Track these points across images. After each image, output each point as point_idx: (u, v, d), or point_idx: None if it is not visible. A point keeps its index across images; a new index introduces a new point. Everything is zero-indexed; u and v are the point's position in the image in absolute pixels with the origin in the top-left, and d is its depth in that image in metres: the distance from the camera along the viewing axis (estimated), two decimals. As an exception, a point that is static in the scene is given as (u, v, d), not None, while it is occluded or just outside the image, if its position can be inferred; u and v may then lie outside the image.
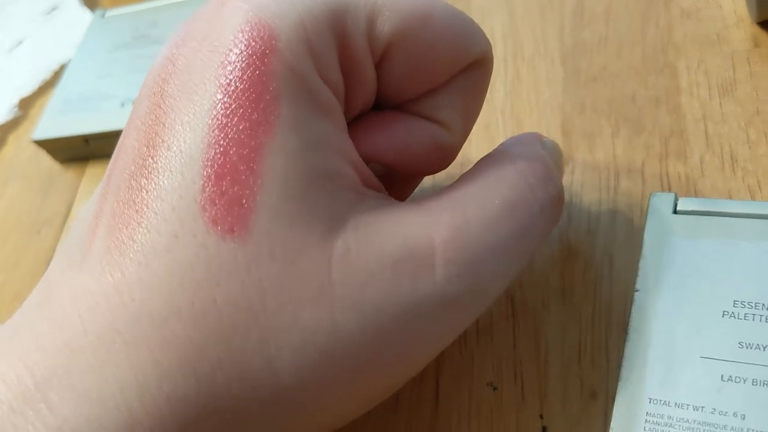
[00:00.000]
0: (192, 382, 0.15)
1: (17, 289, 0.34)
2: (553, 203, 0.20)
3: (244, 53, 0.17)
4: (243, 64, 0.17)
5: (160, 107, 0.17)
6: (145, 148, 0.17)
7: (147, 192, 0.16)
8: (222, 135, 0.16)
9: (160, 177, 0.16)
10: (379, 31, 0.18)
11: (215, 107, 0.16)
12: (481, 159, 0.21)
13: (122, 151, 0.18)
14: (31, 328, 0.16)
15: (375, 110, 0.21)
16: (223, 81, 0.16)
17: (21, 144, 0.41)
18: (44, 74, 0.44)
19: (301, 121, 0.17)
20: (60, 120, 0.37)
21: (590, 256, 0.23)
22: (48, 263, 0.34)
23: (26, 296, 0.33)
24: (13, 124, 0.43)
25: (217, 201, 0.16)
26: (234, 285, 0.15)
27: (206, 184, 0.16)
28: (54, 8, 0.49)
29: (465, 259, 0.17)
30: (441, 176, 0.27)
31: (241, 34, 0.17)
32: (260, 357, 0.15)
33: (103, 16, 0.42)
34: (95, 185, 0.37)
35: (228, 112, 0.16)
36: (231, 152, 0.16)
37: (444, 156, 0.21)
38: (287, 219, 0.16)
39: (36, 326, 0.16)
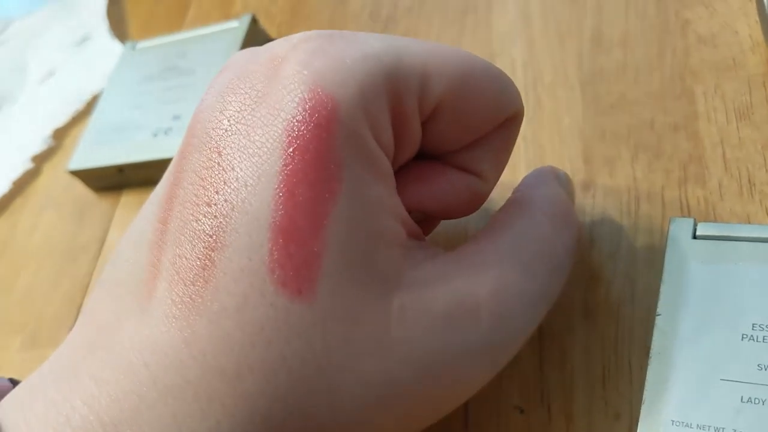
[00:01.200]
0: (262, 429, 0.16)
1: (55, 315, 0.35)
2: (575, 240, 0.22)
3: (310, 123, 0.17)
4: (309, 135, 0.17)
5: (219, 164, 0.18)
6: (206, 206, 0.17)
7: (213, 251, 0.17)
8: (290, 202, 0.17)
9: (227, 236, 0.17)
10: (430, 93, 0.19)
11: (281, 173, 0.17)
12: (509, 204, 0.22)
13: (177, 200, 0.18)
14: (89, 372, 0.17)
15: (415, 159, 0.22)
16: (289, 150, 0.17)
17: (56, 173, 0.43)
18: (76, 104, 0.45)
19: (360, 188, 0.18)
20: (94, 151, 0.38)
21: (612, 280, 0.24)
22: (84, 290, 0.35)
23: (64, 322, 0.34)
24: (47, 153, 0.44)
25: (285, 264, 0.17)
26: (302, 343, 0.16)
27: (274, 248, 0.17)
28: (85, 39, 0.50)
29: (506, 309, 0.19)
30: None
31: (304, 103, 0.17)
32: (325, 405, 0.17)
33: (134, 47, 0.43)
34: (129, 213, 0.38)
35: (295, 180, 0.17)
36: (298, 219, 0.17)
37: (477, 203, 0.23)
38: (348, 281, 0.17)
39: (95, 371, 0.17)
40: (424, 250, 0.20)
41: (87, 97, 0.45)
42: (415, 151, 0.21)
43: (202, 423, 0.16)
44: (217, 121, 0.18)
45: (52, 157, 0.44)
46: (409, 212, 0.20)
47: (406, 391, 0.18)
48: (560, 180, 0.23)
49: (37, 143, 0.44)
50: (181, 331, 0.16)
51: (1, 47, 0.54)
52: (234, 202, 0.17)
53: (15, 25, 0.55)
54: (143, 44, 0.43)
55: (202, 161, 0.18)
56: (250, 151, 0.17)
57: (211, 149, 0.18)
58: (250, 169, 0.17)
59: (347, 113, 0.18)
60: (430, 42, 0.21)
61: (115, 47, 0.47)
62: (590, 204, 0.26)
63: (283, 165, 0.17)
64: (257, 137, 0.18)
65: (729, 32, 0.28)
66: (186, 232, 0.17)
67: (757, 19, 0.28)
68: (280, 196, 0.17)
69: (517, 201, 0.22)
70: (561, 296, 0.24)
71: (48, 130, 0.45)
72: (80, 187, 0.40)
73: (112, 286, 0.19)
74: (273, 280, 0.17)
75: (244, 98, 0.18)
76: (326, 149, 0.17)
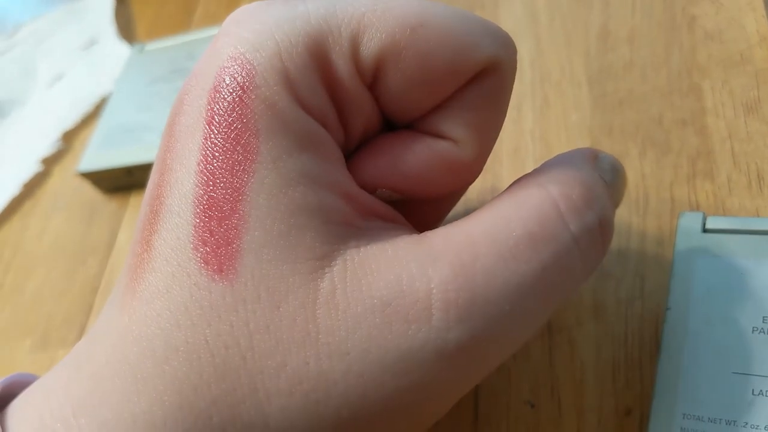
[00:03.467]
0: (191, 421, 0.15)
1: (65, 316, 0.35)
2: (591, 235, 0.17)
3: (225, 91, 0.17)
4: (224, 103, 0.17)
5: (168, 147, 0.18)
6: (157, 188, 0.17)
7: (154, 233, 0.17)
8: (208, 175, 0.16)
9: (165, 218, 0.17)
10: (365, 51, 0.17)
11: (202, 147, 0.17)
12: (514, 181, 0.19)
13: (146, 190, 0.18)
14: (77, 358, 0.17)
15: (388, 131, 0.20)
16: (208, 120, 0.17)
17: (66, 175, 0.43)
18: (85, 107, 0.46)
19: (281, 157, 0.16)
20: (103, 152, 0.39)
21: (622, 275, 0.24)
22: (94, 291, 0.36)
23: (74, 324, 0.35)
24: (57, 156, 0.44)
25: (207, 241, 0.16)
26: (223, 326, 0.16)
27: (197, 225, 0.16)
28: (93, 42, 0.50)
29: (469, 301, 0.16)
30: (473, 201, 0.28)
31: (221, 71, 0.17)
32: (250, 400, 0.15)
33: (141, 50, 0.43)
34: (138, 214, 0.38)
35: (213, 151, 0.16)
36: (216, 192, 0.16)
37: (459, 174, 0.19)
38: (273, 259, 0.16)
39: (81, 356, 0.17)
40: (382, 231, 0.17)
41: (95, 99, 0.45)
42: (373, 120, 0.19)
43: (138, 406, 0.15)
44: (174, 107, 0.18)
45: (61, 159, 0.44)
46: (374, 190, 0.19)
47: (339, 395, 0.15)
48: (599, 162, 0.19)
49: (47, 146, 0.45)
50: (127, 315, 0.16)
51: (10, 51, 0.55)
52: (172, 182, 0.17)
53: (23, 29, 0.56)
54: (151, 46, 0.43)
55: (162, 148, 0.18)
56: (188, 128, 0.17)
57: (167, 134, 0.18)
58: (184, 147, 0.17)
59: (263, 78, 0.17)
60: None
61: (123, 50, 0.47)
62: (599, 200, 0.26)
63: (203, 138, 0.17)
64: (192, 114, 0.17)
65: (736, 27, 0.28)
66: (142, 218, 0.18)
67: (765, 13, 0.28)
68: (201, 170, 0.16)
69: (523, 177, 0.19)
70: (570, 292, 0.24)
71: (57, 132, 0.45)
72: (89, 189, 0.40)
73: (118, 278, 0.19)
74: (197, 259, 0.16)
75: (194, 79, 0.18)
76: (240, 118, 0.16)
